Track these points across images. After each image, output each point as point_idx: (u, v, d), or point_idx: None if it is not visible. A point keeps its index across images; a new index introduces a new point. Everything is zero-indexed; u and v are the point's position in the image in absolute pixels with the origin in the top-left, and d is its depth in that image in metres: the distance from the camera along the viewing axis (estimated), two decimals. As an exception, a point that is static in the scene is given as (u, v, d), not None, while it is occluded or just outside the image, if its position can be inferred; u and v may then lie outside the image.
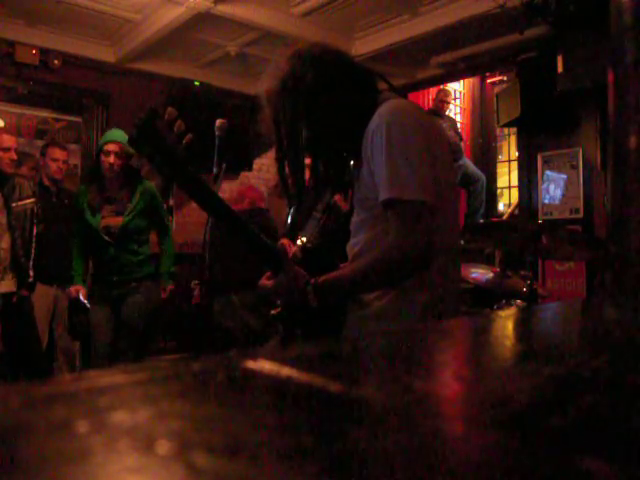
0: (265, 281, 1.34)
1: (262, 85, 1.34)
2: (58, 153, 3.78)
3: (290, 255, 1.45)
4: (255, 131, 5.53)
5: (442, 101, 5.73)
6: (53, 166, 3.75)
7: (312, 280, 1.24)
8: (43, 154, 3.81)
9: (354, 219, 1.35)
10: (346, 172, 1.38)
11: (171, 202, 5.44)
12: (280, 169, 1.36)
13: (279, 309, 1.35)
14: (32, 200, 3.35)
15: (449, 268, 1.29)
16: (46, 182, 3.80)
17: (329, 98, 1.28)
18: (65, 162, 3.85)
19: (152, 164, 1.10)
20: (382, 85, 1.38)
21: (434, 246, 1.17)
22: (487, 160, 6.47)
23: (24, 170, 3.60)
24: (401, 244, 1.16)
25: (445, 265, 1.27)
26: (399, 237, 1.17)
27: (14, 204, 3.23)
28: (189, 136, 1.19)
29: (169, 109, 1.16)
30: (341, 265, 1.38)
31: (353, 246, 1.34)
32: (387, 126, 1.19)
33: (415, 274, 1.21)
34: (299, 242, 1.48)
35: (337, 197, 1.54)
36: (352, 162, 1.35)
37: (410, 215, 1.16)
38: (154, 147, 1.08)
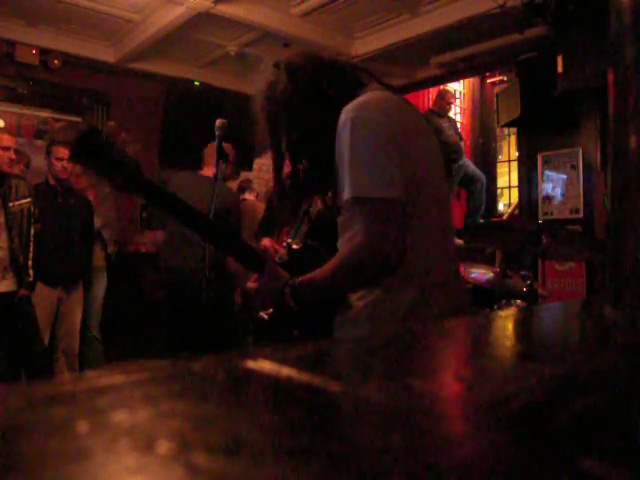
0: (250, 283, 1.34)
1: (253, 95, 1.36)
2: (62, 152, 3.65)
3: (275, 256, 1.44)
4: (255, 131, 5.52)
5: (449, 103, 5.69)
6: (58, 165, 3.65)
7: (290, 281, 1.22)
8: (48, 153, 3.71)
9: (340, 219, 1.33)
10: (333, 174, 1.37)
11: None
12: (276, 174, 1.37)
13: (270, 311, 1.34)
14: (28, 200, 3.33)
15: (436, 266, 1.24)
16: (52, 182, 3.71)
17: (305, 103, 1.27)
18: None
19: (100, 176, 1.11)
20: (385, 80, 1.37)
21: (406, 243, 1.13)
22: (487, 160, 6.47)
23: (17, 169, 3.53)
24: (368, 243, 1.13)
25: (431, 263, 1.22)
26: (366, 236, 1.13)
27: (11, 204, 3.23)
28: (134, 146, 1.22)
29: (109, 123, 1.20)
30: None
31: (340, 246, 1.33)
32: (351, 122, 1.16)
33: (389, 273, 1.17)
34: (285, 243, 1.48)
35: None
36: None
37: (376, 213, 1.13)
38: (96, 160, 1.10)
